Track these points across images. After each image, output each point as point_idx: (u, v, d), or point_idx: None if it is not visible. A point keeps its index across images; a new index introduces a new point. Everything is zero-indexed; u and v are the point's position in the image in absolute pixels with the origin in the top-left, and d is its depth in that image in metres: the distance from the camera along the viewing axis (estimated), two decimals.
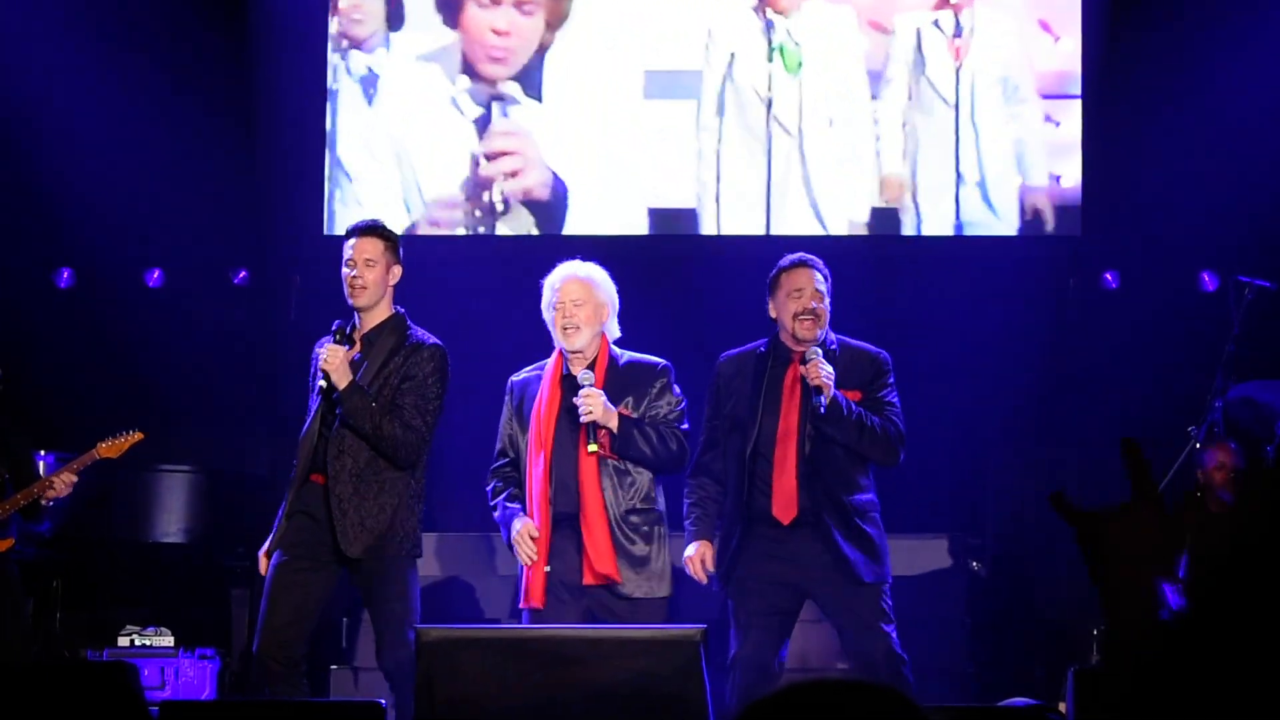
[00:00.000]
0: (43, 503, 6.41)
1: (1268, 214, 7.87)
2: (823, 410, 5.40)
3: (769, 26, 8.36)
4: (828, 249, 6.00)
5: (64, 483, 6.36)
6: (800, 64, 8.30)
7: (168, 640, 7.23)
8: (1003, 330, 8.17)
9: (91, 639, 7.51)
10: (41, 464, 6.89)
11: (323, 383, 5.50)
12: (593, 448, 5.44)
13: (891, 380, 5.63)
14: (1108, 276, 8.34)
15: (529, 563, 5.50)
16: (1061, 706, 5.62)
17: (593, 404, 5.43)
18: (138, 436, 6.43)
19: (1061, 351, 8.35)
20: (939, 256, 8.08)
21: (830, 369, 5.45)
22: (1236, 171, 7.97)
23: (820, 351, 5.48)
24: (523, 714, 4.44)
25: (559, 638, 4.70)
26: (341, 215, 8.33)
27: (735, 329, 6.01)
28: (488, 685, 4.47)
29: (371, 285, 5.58)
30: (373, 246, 5.61)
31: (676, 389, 5.64)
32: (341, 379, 5.47)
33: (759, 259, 6.05)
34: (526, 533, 5.49)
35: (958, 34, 8.27)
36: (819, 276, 5.60)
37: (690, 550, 5.63)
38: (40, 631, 7.44)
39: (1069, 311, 8.33)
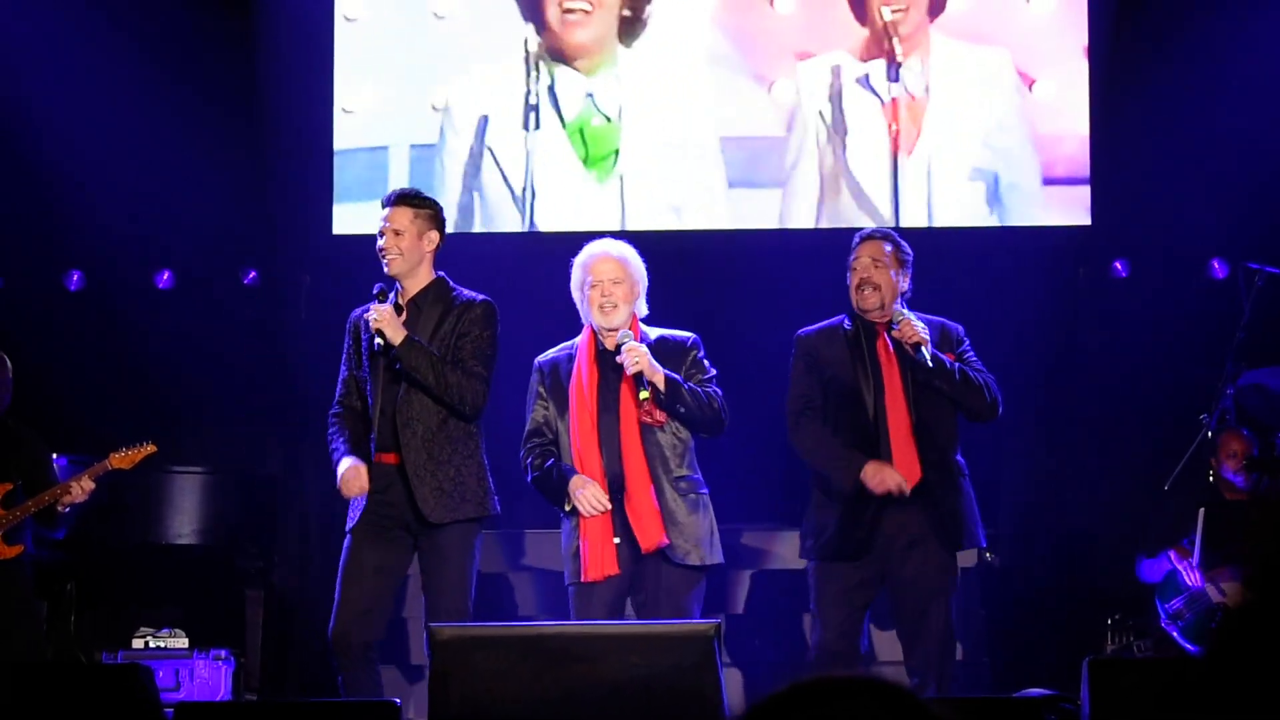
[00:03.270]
0: (59, 509, 6.41)
1: (1277, 200, 7.84)
2: (930, 364, 5.54)
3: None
4: (823, 239, 5.99)
5: (82, 489, 6.37)
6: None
7: (182, 642, 7.23)
8: (1013, 320, 8.15)
9: (106, 641, 7.52)
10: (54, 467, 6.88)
11: (379, 340, 5.56)
12: (644, 394, 5.48)
13: (969, 344, 5.80)
14: (1117, 265, 8.31)
15: (596, 510, 5.52)
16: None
17: (639, 355, 5.50)
18: (150, 449, 6.43)
19: (1072, 340, 8.33)
20: (948, 247, 8.05)
21: (923, 325, 5.61)
22: (1245, 158, 7.94)
23: (907, 311, 5.63)
24: (537, 711, 4.45)
25: (572, 634, 4.71)
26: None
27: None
28: (502, 683, 4.48)
29: (404, 253, 5.67)
30: (400, 215, 5.70)
31: (707, 360, 5.73)
32: (396, 334, 5.56)
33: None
34: (594, 490, 5.54)
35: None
36: (881, 248, 5.74)
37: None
38: (55, 634, 7.45)
39: (1079, 300, 8.31)
